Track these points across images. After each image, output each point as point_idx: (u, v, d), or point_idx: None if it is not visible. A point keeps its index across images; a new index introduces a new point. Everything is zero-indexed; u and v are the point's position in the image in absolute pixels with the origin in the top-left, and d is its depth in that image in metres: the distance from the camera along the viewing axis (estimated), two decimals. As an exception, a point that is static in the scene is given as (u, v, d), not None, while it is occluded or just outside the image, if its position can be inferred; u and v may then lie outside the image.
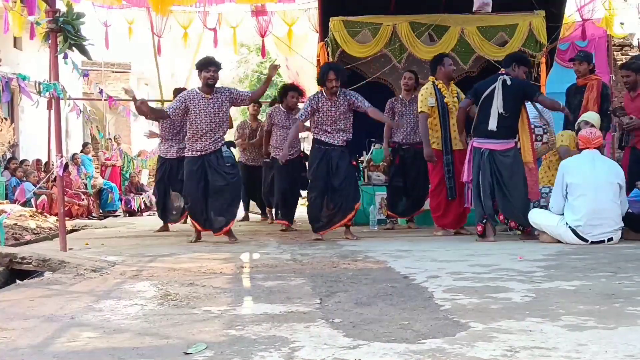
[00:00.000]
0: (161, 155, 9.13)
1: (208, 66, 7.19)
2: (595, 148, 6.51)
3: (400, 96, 8.73)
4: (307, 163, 8.77)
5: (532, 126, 7.32)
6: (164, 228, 9.23)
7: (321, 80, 7.36)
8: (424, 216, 8.96)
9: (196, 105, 7.20)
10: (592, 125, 6.98)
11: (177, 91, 9.09)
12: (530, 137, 7.09)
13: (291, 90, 9.29)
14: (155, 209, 15.66)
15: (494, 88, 6.84)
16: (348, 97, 7.36)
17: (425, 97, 7.69)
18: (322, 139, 7.37)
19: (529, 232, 6.87)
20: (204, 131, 7.19)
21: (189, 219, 9.66)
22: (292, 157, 8.85)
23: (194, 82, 13.26)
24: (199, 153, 7.23)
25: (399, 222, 9.07)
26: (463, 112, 7.23)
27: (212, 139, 7.23)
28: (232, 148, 7.87)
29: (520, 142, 7.06)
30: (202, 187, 7.23)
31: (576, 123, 7.29)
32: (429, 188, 8.66)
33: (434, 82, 7.76)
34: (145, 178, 19.00)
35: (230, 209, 7.37)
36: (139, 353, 2.54)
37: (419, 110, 7.76)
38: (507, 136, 6.89)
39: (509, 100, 6.81)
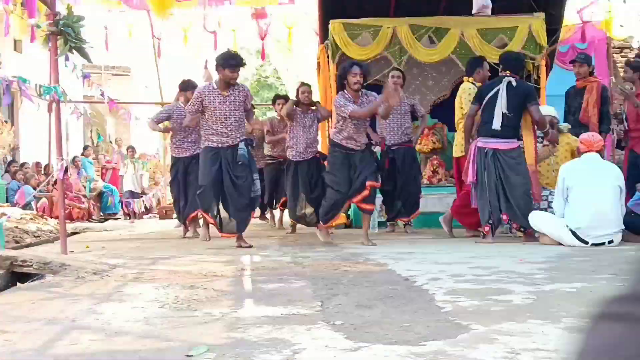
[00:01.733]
0: (173, 154, 8.83)
1: (234, 66, 6.83)
2: (596, 151, 6.52)
3: None
4: (325, 163, 8.67)
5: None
6: (186, 229, 8.94)
7: (342, 76, 7.03)
8: (424, 219, 8.95)
9: (211, 102, 6.92)
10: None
11: (184, 84, 8.91)
12: (534, 140, 7.09)
13: (278, 98, 9.27)
14: (157, 212, 15.79)
15: (499, 89, 6.86)
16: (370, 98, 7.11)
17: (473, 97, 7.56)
18: (343, 144, 7.08)
19: (530, 234, 6.87)
20: (219, 129, 6.93)
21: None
22: (307, 158, 8.63)
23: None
24: (215, 144, 6.97)
25: (399, 224, 9.05)
26: (472, 120, 7.19)
27: (228, 137, 6.96)
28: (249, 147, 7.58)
29: (523, 144, 7.06)
30: (217, 179, 6.94)
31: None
32: (420, 190, 8.63)
33: (474, 83, 7.68)
34: (146, 181, 18.97)
35: (238, 211, 7.02)
36: (141, 356, 2.54)
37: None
38: (511, 136, 6.90)
39: (513, 101, 6.83)
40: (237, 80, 7.09)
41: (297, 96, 8.71)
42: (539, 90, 9.29)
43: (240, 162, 6.95)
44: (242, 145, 7.01)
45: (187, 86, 8.74)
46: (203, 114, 7.02)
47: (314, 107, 8.70)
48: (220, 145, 6.95)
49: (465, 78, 7.87)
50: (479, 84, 7.70)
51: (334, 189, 7.12)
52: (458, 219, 7.74)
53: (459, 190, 7.93)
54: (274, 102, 10.39)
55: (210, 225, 7.52)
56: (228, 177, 6.94)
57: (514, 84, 6.86)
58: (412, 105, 8.64)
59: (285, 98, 10.28)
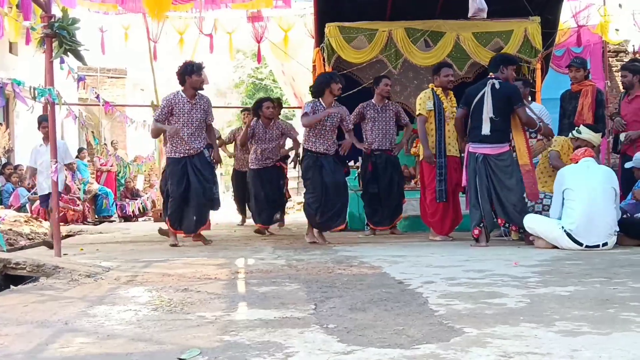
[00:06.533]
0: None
1: (200, 70, 7.37)
2: (588, 156, 6.53)
3: (373, 101, 8.56)
4: (286, 171, 9.30)
5: None
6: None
7: (325, 84, 7.42)
8: (417, 222, 8.94)
9: (181, 109, 7.37)
10: (589, 144, 6.98)
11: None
12: (525, 139, 7.10)
13: (265, 101, 9.42)
14: (151, 215, 15.76)
15: (484, 93, 6.87)
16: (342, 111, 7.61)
17: (424, 100, 7.74)
18: (313, 149, 7.46)
19: (529, 235, 6.86)
20: (187, 134, 7.36)
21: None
22: (267, 165, 9.19)
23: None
24: (181, 155, 7.40)
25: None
26: (460, 122, 7.26)
27: (195, 142, 7.41)
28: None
29: (515, 144, 7.06)
30: (183, 188, 7.39)
31: (571, 133, 7.30)
32: (403, 196, 8.67)
33: (433, 89, 7.82)
34: (141, 183, 18.96)
35: (202, 211, 7.57)
36: (133, 359, 2.53)
37: (417, 113, 7.78)
38: (500, 140, 6.90)
39: (499, 104, 6.84)
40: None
41: (260, 110, 9.21)
42: (534, 94, 9.31)
43: (208, 168, 7.55)
44: (206, 152, 7.54)
45: None
46: (171, 119, 7.42)
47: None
48: (186, 155, 7.39)
49: (430, 85, 7.98)
50: (438, 89, 7.80)
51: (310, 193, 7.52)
52: (436, 230, 7.76)
53: (423, 193, 7.99)
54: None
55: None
56: (196, 180, 7.40)
57: (497, 86, 6.87)
58: (396, 112, 8.68)
59: (247, 110, 11.06)
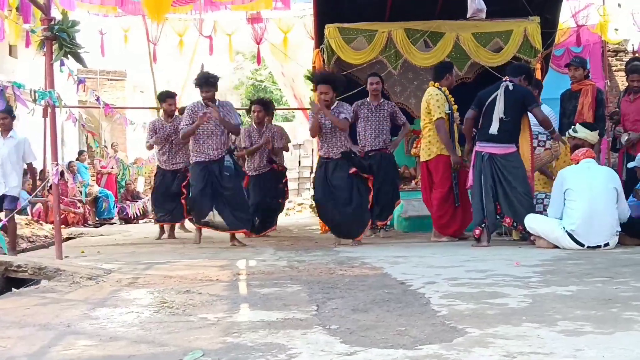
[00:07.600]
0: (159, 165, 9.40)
1: (206, 87, 7.46)
2: (589, 157, 6.53)
3: (368, 99, 8.49)
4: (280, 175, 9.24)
5: (536, 132, 7.32)
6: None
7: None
8: (414, 222, 8.91)
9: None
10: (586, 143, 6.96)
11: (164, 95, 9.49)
12: (531, 146, 7.09)
13: (254, 104, 9.44)
14: (152, 217, 15.76)
15: (497, 94, 6.87)
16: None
17: (441, 102, 7.53)
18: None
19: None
20: (204, 139, 7.49)
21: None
22: (260, 172, 9.13)
23: (190, 89, 13.24)
24: (204, 158, 7.50)
25: (377, 229, 8.88)
26: (470, 123, 7.18)
27: (214, 148, 7.50)
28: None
29: (520, 149, 7.04)
30: (209, 191, 7.46)
31: (567, 132, 7.29)
32: (397, 194, 8.60)
33: (440, 88, 7.67)
34: (141, 186, 18.96)
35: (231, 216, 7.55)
36: (135, 361, 2.53)
37: (437, 116, 7.50)
38: (508, 140, 6.91)
39: (510, 105, 6.84)
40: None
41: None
42: (537, 101, 9.31)
43: (227, 174, 7.54)
44: (227, 157, 7.60)
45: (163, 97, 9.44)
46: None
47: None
48: (207, 159, 7.51)
49: (431, 83, 7.83)
50: (445, 89, 7.67)
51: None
52: (442, 232, 7.69)
53: (426, 195, 7.91)
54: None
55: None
56: (216, 187, 7.50)
57: (511, 88, 6.88)
58: (392, 112, 8.55)
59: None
